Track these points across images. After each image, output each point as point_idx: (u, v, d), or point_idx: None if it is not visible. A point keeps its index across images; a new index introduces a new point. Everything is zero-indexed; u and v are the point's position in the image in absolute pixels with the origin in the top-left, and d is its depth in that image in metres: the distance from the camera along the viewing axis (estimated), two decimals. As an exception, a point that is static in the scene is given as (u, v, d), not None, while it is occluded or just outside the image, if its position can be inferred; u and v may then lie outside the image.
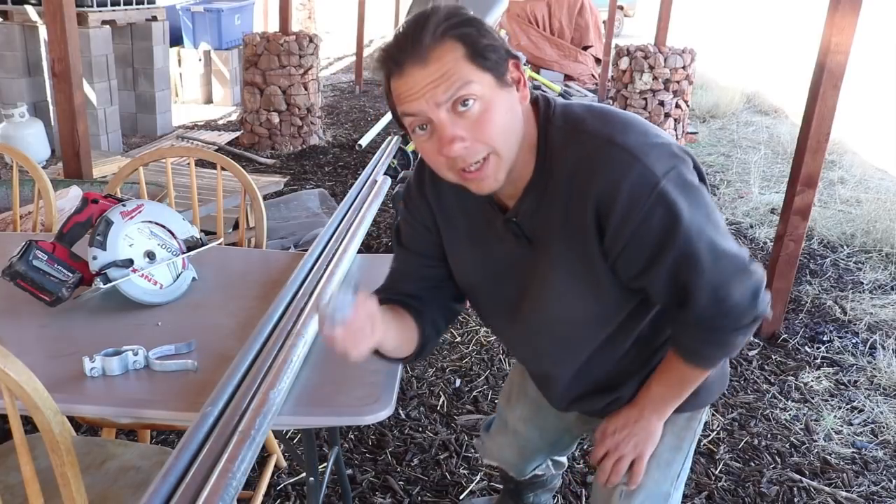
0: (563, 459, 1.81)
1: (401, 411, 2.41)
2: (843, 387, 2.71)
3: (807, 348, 2.96)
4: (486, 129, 0.97)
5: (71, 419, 1.16)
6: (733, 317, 1.08)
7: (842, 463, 2.29)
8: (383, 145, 4.76)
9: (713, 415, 2.49)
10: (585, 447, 2.23)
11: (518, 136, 1.02)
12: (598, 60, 9.23)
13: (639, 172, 0.98)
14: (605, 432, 1.29)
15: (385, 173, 3.69)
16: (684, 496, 2.07)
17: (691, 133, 6.56)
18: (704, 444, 2.33)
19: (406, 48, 0.96)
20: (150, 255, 1.56)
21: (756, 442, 2.36)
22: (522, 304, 1.17)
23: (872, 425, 2.48)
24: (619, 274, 1.07)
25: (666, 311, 1.17)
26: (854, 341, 3.02)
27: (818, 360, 2.88)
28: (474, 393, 2.55)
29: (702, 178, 1.08)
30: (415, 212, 1.22)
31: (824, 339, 3.04)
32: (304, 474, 2.07)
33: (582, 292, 1.10)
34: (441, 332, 1.27)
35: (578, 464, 2.20)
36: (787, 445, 2.36)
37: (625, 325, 1.17)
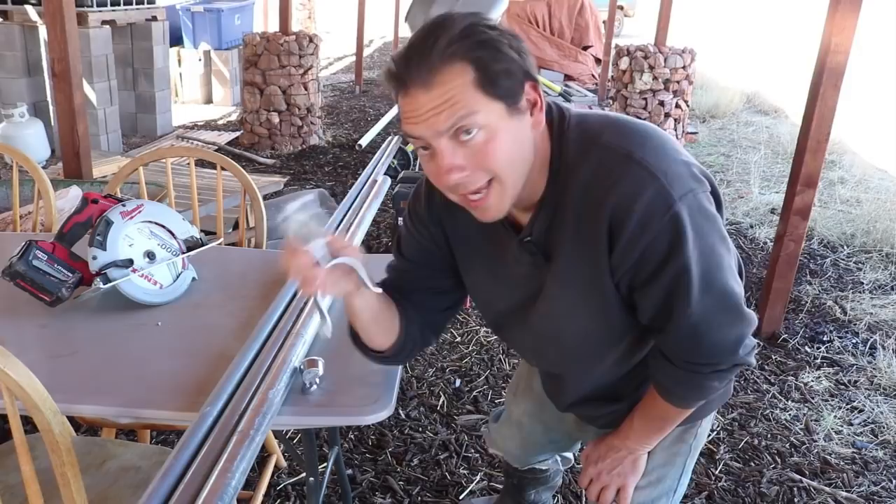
0: (570, 455, 1.81)
1: (401, 411, 2.41)
2: (843, 387, 2.71)
3: (807, 348, 2.96)
4: (488, 160, 0.93)
5: (71, 419, 1.16)
6: (710, 357, 1.04)
7: (842, 463, 2.29)
8: (383, 145, 4.76)
9: (713, 415, 2.49)
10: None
11: (526, 164, 0.98)
12: (598, 60, 9.23)
13: (656, 191, 0.93)
14: (589, 459, 1.29)
15: (385, 173, 3.69)
16: (684, 496, 2.07)
17: (691, 133, 6.56)
18: (704, 445, 2.33)
19: (412, 66, 0.90)
20: (150, 255, 1.56)
21: (756, 442, 2.36)
22: (534, 316, 1.15)
23: (872, 425, 2.48)
24: (622, 288, 1.03)
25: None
26: (854, 341, 3.02)
27: (818, 360, 2.88)
28: (474, 393, 2.55)
29: (718, 205, 1.04)
30: (420, 227, 1.18)
31: (824, 339, 3.04)
32: (304, 474, 2.07)
33: (590, 309, 1.07)
34: (426, 342, 1.24)
35: (579, 464, 2.19)
36: (787, 445, 2.36)
37: (635, 343, 1.14)
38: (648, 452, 1.27)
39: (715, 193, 1.03)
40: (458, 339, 2.92)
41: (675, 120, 5.52)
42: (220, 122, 6.67)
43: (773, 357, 2.89)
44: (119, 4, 5.56)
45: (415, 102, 0.91)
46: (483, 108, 0.90)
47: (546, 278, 1.08)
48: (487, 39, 0.91)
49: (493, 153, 0.92)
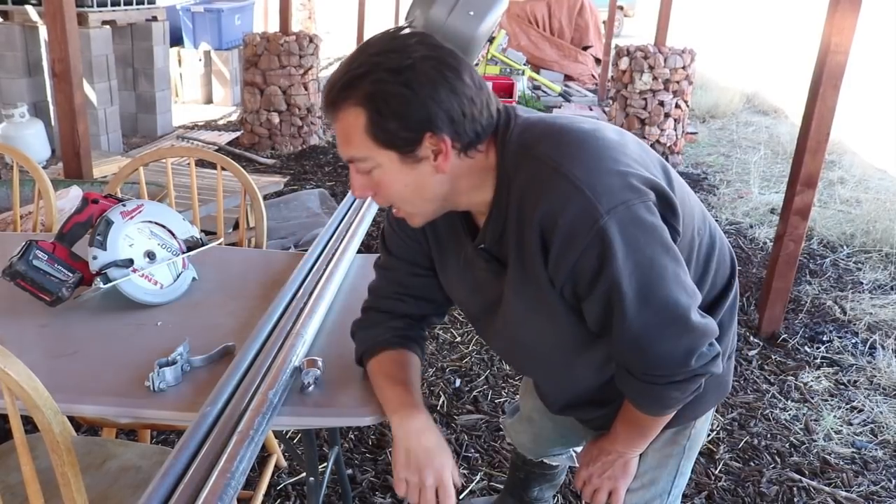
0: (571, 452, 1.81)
1: (401, 411, 2.41)
2: (842, 387, 2.71)
3: (806, 348, 2.96)
4: (385, 195, 1.01)
5: (71, 419, 1.16)
6: (658, 370, 1.03)
7: (841, 463, 2.29)
8: (383, 145, 4.75)
9: (713, 414, 2.49)
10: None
11: (432, 197, 1.02)
12: (597, 60, 9.24)
13: (581, 206, 0.92)
14: (583, 461, 1.31)
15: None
16: (684, 496, 2.07)
17: (691, 133, 6.56)
18: (704, 444, 2.33)
19: (326, 90, 0.97)
20: (150, 255, 1.56)
21: (756, 442, 2.36)
22: (497, 322, 1.16)
23: (872, 425, 2.49)
24: (567, 297, 1.03)
25: None
26: (854, 341, 3.02)
27: (818, 360, 2.88)
28: (474, 393, 2.55)
29: (672, 212, 1.00)
30: (403, 223, 1.19)
31: (824, 339, 3.04)
32: (304, 474, 2.07)
33: (542, 317, 1.07)
34: (434, 324, 1.34)
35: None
36: (786, 445, 2.36)
37: (596, 352, 1.13)
38: (641, 455, 1.27)
39: (666, 201, 0.99)
40: (458, 339, 2.92)
41: (675, 120, 5.52)
42: (221, 123, 6.67)
43: (773, 357, 2.89)
44: (119, 4, 5.56)
45: (334, 125, 0.98)
46: (373, 155, 0.96)
47: (503, 287, 1.09)
48: (384, 92, 0.91)
49: (388, 190, 1.00)
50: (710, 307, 1.16)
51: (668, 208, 1.00)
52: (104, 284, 1.46)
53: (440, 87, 0.93)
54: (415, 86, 0.92)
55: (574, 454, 1.77)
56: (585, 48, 9.58)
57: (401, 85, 0.91)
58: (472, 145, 0.99)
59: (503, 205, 1.02)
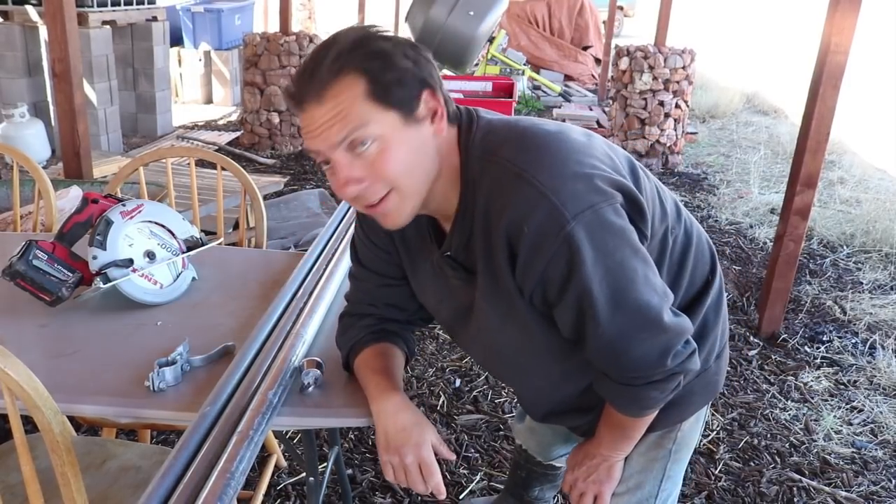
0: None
1: (401, 411, 2.41)
2: (842, 387, 2.71)
3: (806, 348, 2.96)
4: (384, 169, 0.93)
5: (71, 419, 1.16)
6: (635, 371, 1.02)
7: (841, 463, 2.29)
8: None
9: (713, 414, 2.49)
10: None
11: (427, 172, 0.97)
12: (597, 60, 9.24)
13: (546, 212, 0.90)
14: (569, 465, 1.31)
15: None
16: (684, 496, 2.07)
17: (691, 133, 6.56)
18: (704, 444, 2.33)
19: (304, 82, 0.91)
20: (150, 255, 1.56)
21: (756, 442, 2.36)
22: (471, 329, 1.14)
23: (872, 425, 2.49)
24: (536, 305, 1.01)
25: None
26: (854, 341, 3.02)
27: (818, 360, 2.88)
28: (474, 393, 2.55)
29: (638, 213, 0.98)
30: (371, 234, 1.19)
31: (824, 339, 3.04)
32: (304, 474, 2.07)
33: (513, 324, 1.06)
34: (420, 326, 1.32)
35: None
36: (786, 445, 2.36)
37: (572, 357, 1.11)
38: (626, 459, 1.26)
39: (634, 202, 0.97)
40: (458, 339, 2.92)
41: (675, 120, 5.52)
42: (221, 123, 6.67)
43: (773, 357, 2.89)
44: (119, 5, 5.56)
45: (310, 118, 0.92)
46: (375, 119, 0.91)
47: (474, 293, 1.07)
48: (378, 50, 0.91)
49: (389, 163, 0.92)
50: (690, 304, 1.15)
51: (635, 210, 0.98)
52: (104, 284, 1.46)
53: (420, 52, 0.95)
54: (403, 46, 0.94)
55: None
56: (585, 48, 9.58)
57: (392, 46, 0.93)
58: (452, 119, 0.99)
59: (469, 211, 1.00)
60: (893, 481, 2.21)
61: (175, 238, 1.62)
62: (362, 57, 0.91)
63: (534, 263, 0.93)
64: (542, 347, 1.10)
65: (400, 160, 0.93)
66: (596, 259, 0.92)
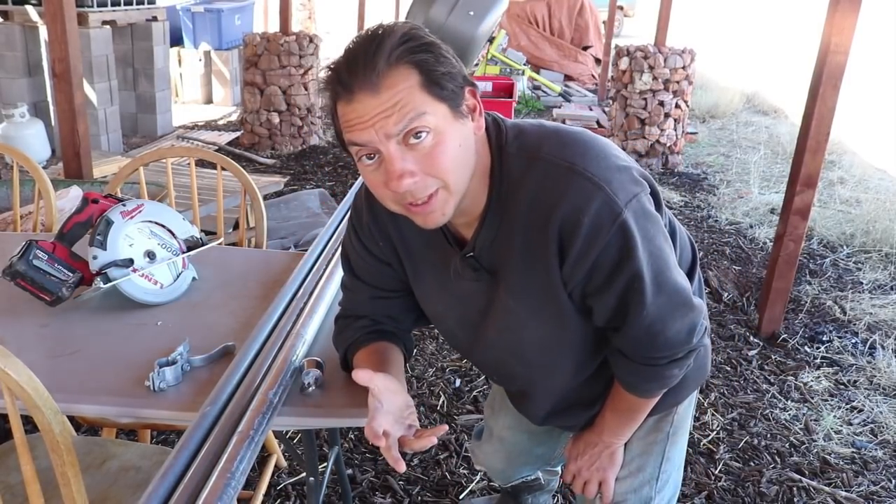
0: (558, 470, 1.79)
1: (401, 411, 2.41)
2: (842, 387, 2.72)
3: (806, 348, 2.96)
4: (437, 164, 0.92)
5: (71, 419, 1.16)
6: (666, 350, 1.07)
7: (841, 463, 2.29)
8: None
9: (713, 414, 2.49)
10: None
11: (470, 169, 0.97)
12: (597, 60, 9.24)
13: (602, 202, 0.94)
14: (570, 456, 1.32)
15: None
16: (684, 496, 2.07)
17: (691, 133, 6.56)
18: (704, 444, 2.33)
19: (357, 72, 0.89)
20: (150, 255, 1.56)
21: (756, 442, 2.36)
22: (488, 331, 1.15)
23: (872, 425, 2.49)
24: (575, 297, 1.04)
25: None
26: (854, 341, 3.02)
27: (818, 360, 2.88)
28: (474, 393, 2.55)
29: (658, 204, 1.05)
30: (368, 244, 1.17)
31: (824, 338, 3.04)
32: (304, 474, 2.07)
33: (546, 320, 1.08)
34: (418, 327, 1.33)
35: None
36: (786, 445, 2.36)
37: (595, 349, 1.15)
38: (626, 445, 1.29)
39: (654, 192, 1.04)
40: (458, 339, 2.92)
41: (675, 120, 5.52)
42: (221, 123, 6.67)
43: (773, 357, 2.89)
44: (119, 5, 5.56)
45: (361, 108, 0.90)
46: (431, 110, 0.90)
47: (495, 293, 1.08)
48: (428, 44, 0.92)
49: (442, 156, 0.92)
50: None
51: (656, 199, 1.05)
52: (104, 284, 1.46)
53: (452, 53, 0.96)
54: (443, 46, 0.95)
55: (541, 476, 1.76)
56: (585, 48, 9.59)
57: (435, 40, 0.94)
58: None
59: (501, 209, 1.01)
60: (893, 481, 2.21)
61: (175, 238, 1.62)
62: (415, 49, 0.91)
63: (589, 252, 0.96)
64: (572, 339, 1.12)
65: (451, 154, 0.93)
66: (643, 245, 0.97)
